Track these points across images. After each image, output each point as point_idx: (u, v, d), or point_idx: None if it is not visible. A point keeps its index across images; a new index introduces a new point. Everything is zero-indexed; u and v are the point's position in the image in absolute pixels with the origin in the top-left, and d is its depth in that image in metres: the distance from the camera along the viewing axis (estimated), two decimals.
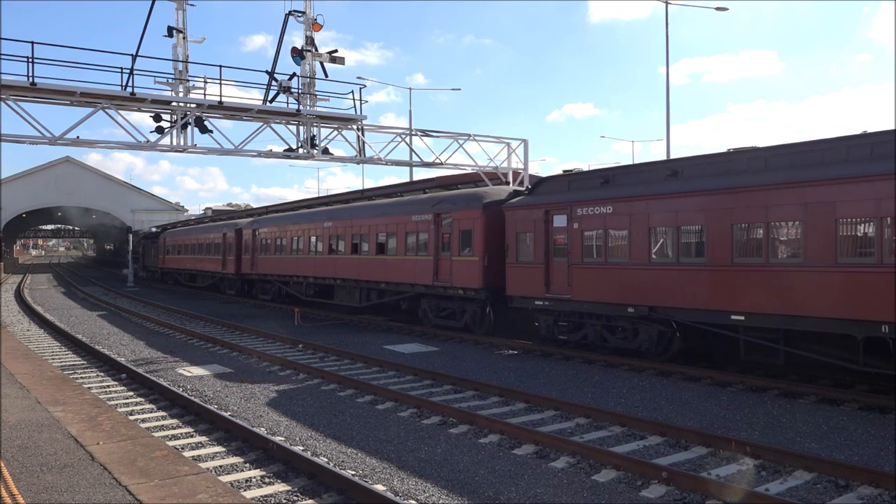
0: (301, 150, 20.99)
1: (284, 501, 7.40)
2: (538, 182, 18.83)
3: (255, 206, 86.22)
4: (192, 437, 10.04)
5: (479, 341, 19.13)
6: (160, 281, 54.32)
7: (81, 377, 14.58)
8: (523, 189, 20.00)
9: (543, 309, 17.46)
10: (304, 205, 39.01)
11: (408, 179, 43.15)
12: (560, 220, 17.05)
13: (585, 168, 20.87)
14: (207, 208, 75.97)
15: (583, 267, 16.28)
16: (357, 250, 25.23)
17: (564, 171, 18.40)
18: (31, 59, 16.85)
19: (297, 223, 30.69)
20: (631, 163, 16.89)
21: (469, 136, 23.17)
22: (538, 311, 17.75)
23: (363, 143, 21.57)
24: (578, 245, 16.42)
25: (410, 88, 51.90)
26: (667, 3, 30.98)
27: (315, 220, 29.20)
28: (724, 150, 14.99)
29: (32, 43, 16.91)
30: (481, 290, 19.04)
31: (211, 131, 19.60)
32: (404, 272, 22.17)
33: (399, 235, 22.73)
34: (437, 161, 23.09)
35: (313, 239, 28.74)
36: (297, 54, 20.12)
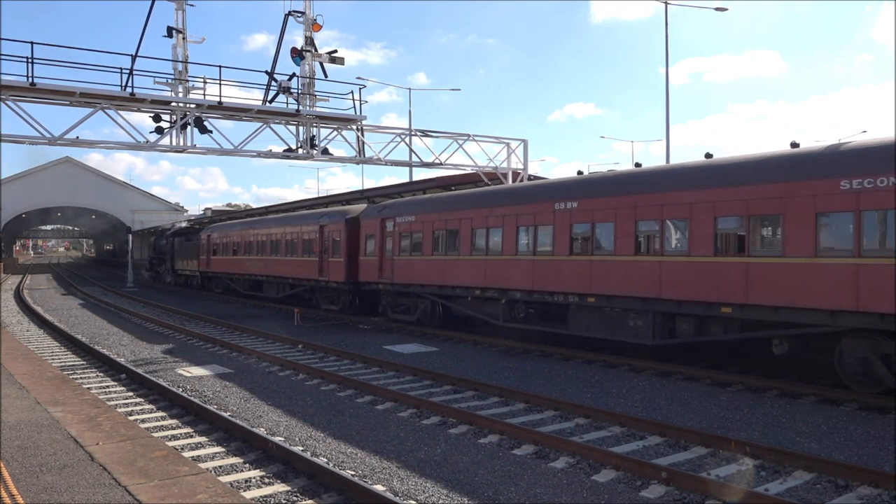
0: (301, 151, 21.02)
1: (284, 502, 7.40)
2: None
3: (254, 206, 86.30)
4: (191, 437, 10.03)
5: (478, 341, 19.10)
6: (201, 288, 42.99)
7: (81, 377, 14.57)
8: None
9: None
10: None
11: (407, 180, 43.19)
12: None
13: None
14: (207, 208, 76.01)
15: None
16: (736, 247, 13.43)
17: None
18: (30, 60, 16.87)
19: (507, 205, 18.50)
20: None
21: (469, 136, 23.19)
22: None
23: (363, 143, 21.60)
24: None
25: (410, 89, 51.90)
26: (666, 4, 31.00)
27: (555, 196, 17.07)
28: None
29: (32, 43, 16.95)
30: None
31: (210, 131, 19.65)
32: None
33: None
34: (437, 161, 23.12)
35: (537, 228, 17.36)
36: (297, 54, 20.14)
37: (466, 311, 20.44)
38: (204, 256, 41.49)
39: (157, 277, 55.14)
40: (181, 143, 19.59)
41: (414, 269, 21.96)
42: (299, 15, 20.34)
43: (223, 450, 9.31)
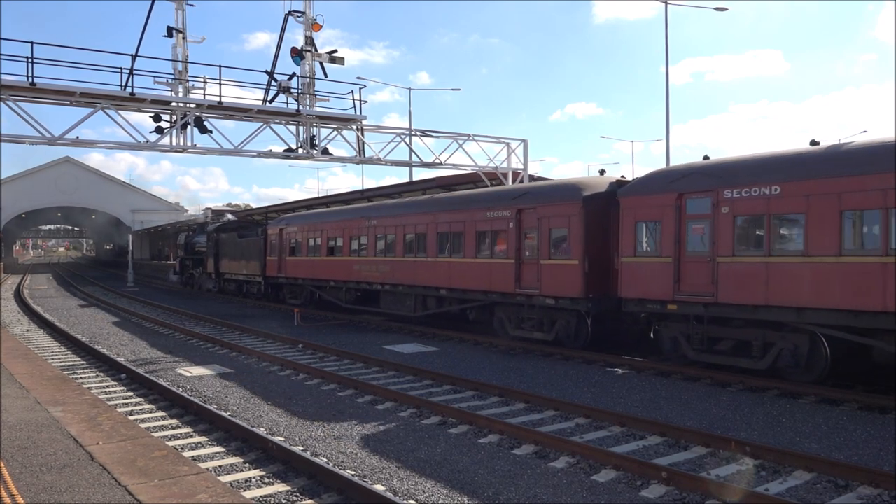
0: (301, 151, 21.04)
1: (284, 501, 7.40)
2: None
3: (255, 206, 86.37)
4: (191, 437, 10.04)
5: (478, 341, 19.10)
6: (265, 298, 33.10)
7: (81, 377, 14.58)
8: None
9: None
10: None
11: (408, 179, 43.23)
12: None
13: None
14: (207, 208, 76.02)
15: None
16: None
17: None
18: (30, 60, 16.88)
19: None
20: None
21: (469, 136, 23.21)
22: None
23: (363, 143, 21.62)
24: None
25: (410, 88, 51.91)
26: (666, 3, 31.01)
27: None
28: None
29: (32, 43, 16.97)
30: None
31: (210, 131, 19.68)
32: None
33: None
34: (437, 161, 23.14)
35: None
36: (297, 54, 20.16)
37: None
38: (273, 257, 31.71)
39: (191, 283, 44.29)
40: (181, 143, 19.60)
41: (777, 280, 12.44)
42: (299, 15, 20.36)
43: (223, 450, 9.31)
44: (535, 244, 17.23)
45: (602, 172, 17.86)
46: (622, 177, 17.25)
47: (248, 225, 39.59)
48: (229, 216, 46.69)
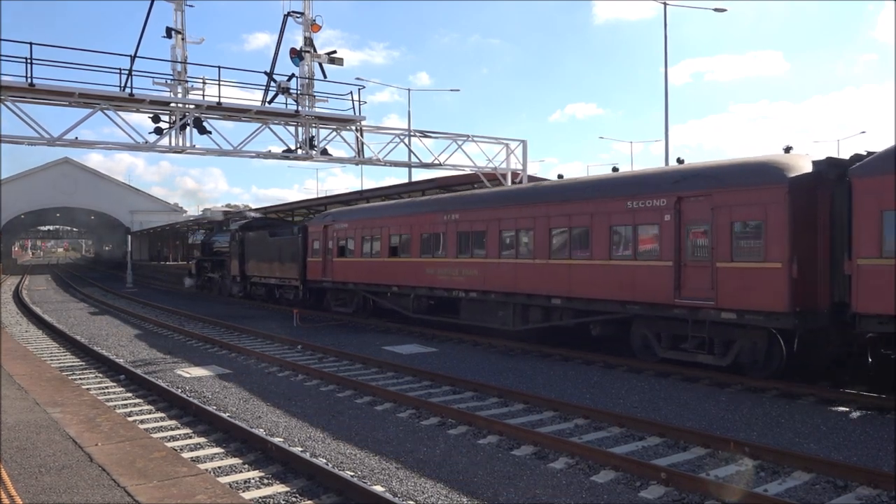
0: (300, 151, 21.04)
1: (283, 502, 7.40)
2: None
3: (253, 206, 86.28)
4: (190, 438, 10.03)
5: (477, 342, 19.09)
6: (303, 305, 28.39)
7: (80, 378, 14.57)
8: None
9: None
10: None
11: (407, 180, 43.24)
12: None
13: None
14: (206, 209, 75.95)
15: None
16: None
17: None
18: (29, 60, 16.88)
19: None
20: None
21: (468, 136, 23.22)
22: None
23: (362, 143, 21.63)
24: None
25: (409, 89, 51.88)
26: (665, 4, 31.05)
27: None
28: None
29: (31, 44, 16.96)
30: None
31: (210, 132, 19.66)
32: None
33: None
34: (436, 162, 23.14)
35: None
36: (296, 55, 20.16)
37: None
38: (317, 258, 27.72)
39: (209, 286, 40.52)
40: (180, 144, 19.61)
41: None
42: (298, 15, 20.35)
43: (222, 450, 9.31)
44: (708, 242, 13.48)
45: (787, 150, 13.69)
46: (807, 155, 13.50)
47: (278, 223, 36.45)
48: (251, 213, 42.14)
